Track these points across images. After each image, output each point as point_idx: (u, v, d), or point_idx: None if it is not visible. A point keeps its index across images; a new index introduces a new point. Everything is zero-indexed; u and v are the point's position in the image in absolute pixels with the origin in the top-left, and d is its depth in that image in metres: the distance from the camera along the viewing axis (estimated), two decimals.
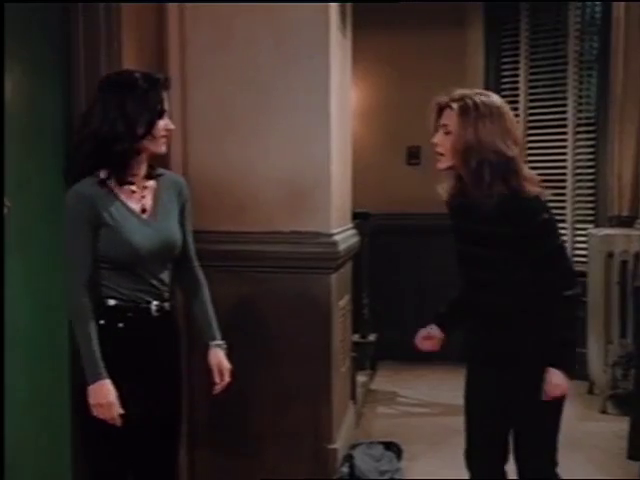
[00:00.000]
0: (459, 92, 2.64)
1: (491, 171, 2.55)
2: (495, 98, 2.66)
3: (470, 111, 2.56)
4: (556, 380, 2.59)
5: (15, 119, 2.83)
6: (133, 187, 2.54)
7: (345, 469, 3.90)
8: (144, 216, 2.54)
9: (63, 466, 3.23)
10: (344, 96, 4.25)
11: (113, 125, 2.45)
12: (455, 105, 2.59)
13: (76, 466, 3.24)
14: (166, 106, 2.53)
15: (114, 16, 3.23)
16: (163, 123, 2.52)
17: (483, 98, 2.61)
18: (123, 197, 2.52)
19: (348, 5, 4.28)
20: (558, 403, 2.66)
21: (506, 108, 2.65)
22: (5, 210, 2.70)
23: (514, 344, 2.64)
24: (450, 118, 2.61)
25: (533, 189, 2.59)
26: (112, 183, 2.50)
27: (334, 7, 3.86)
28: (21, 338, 2.92)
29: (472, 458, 2.80)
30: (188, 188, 2.72)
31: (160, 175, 2.63)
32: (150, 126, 2.48)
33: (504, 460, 2.77)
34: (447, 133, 2.61)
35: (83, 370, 2.48)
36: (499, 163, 2.55)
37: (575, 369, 2.67)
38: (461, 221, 2.72)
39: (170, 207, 2.61)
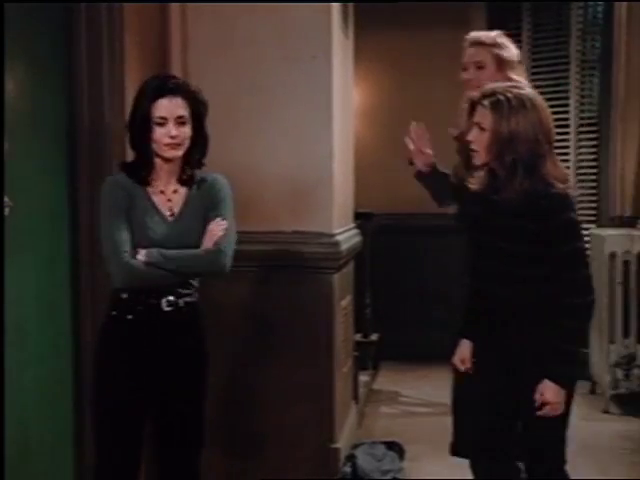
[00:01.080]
0: (491, 87, 2.61)
1: (524, 167, 2.53)
2: (528, 90, 2.62)
3: (503, 107, 2.52)
4: (550, 396, 2.54)
5: (16, 119, 2.82)
6: (162, 187, 2.58)
7: (347, 469, 3.90)
8: (169, 217, 2.57)
9: (65, 466, 3.23)
10: (346, 96, 4.25)
11: (126, 129, 2.59)
12: (487, 102, 2.56)
13: (78, 466, 3.24)
14: (169, 114, 2.51)
15: (116, 16, 3.23)
16: (164, 131, 2.51)
17: (515, 92, 2.56)
18: (152, 196, 2.57)
19: (350, 5, 4.28)
20: (566, 401, 2.60)
21: (539, 100, 2.60)
22: (6, 210, 2.70)
23: (522, 339, 2.61)
24: (483, 115, 2.57)
25: (562, 186, 2.56)
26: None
27: (336, 7, 3.86)
28: (23, 338, 2.92)
29: (475, 458, 2.77)
30: (227, 186, 2.69)
31: (199, 181, 2.65)
32: (140, 133, 2.52)
33: (509, 460, 2.75)
34: (481, 130, 2.58)
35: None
36: (532, 159, 2.53)
37: (574, 384, 2.57)
38: (487, 213, 2.67)
39: (199, 214, 2.61)
